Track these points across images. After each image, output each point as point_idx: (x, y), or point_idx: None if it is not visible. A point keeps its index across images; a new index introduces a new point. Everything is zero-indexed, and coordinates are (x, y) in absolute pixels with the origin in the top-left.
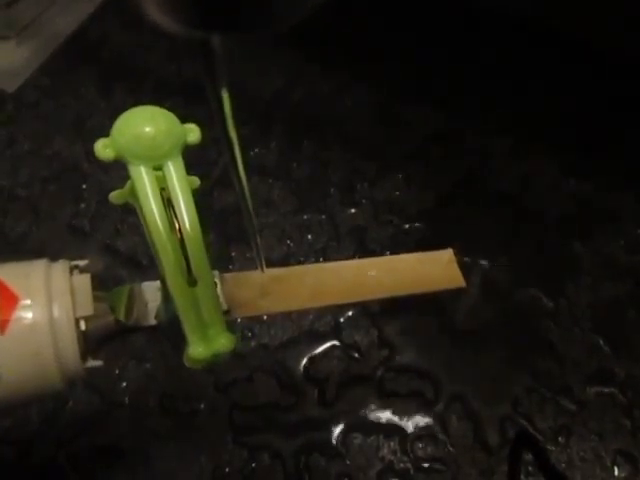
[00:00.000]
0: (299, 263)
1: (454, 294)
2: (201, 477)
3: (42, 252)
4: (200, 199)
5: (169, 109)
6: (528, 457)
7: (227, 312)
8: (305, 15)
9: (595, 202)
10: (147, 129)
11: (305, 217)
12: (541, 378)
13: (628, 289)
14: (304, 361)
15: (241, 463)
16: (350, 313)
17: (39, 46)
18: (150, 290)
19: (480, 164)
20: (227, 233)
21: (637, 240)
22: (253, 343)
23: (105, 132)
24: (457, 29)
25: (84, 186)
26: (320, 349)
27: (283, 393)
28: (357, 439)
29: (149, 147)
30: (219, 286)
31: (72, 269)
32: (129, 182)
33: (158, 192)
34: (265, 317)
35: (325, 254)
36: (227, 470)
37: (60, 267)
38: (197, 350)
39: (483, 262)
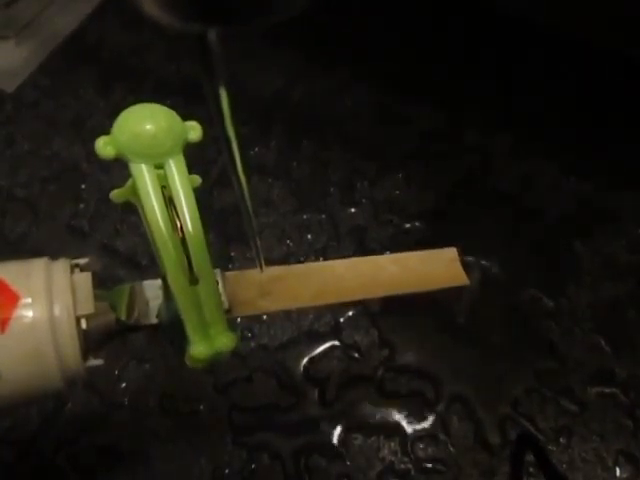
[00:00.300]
0: (299, 263)
1: (455, 294)
2: (201, 478)
3: (41, 252)
4: (200, 198)
5: (169, 109)
6: (529, 458)
7: (228, 311)
8: (302, 8)
9: (595, 202)
10: (148, 127)
11: (305, 217)
12: (542, 378)
13: (629, 289)
14: (304, 361)
15: (241, 464)
16: (350, 313)
17: (38, 46)
18: (151, 289)
19: (480, 164)
20: (227, 233)
21: (638, 240)
22: (253, 343)
23: (105, 132)
24: (457, 29)
25: (83, 186)
26: (320, 349)
27: (283, 393)
28: (357, 439)
29: (150, 145)
30: (221, 284)
31: (73, 267)
32: (130, 180)
33: (159, 190)
34: (265, 317)
35: (325, 254)
36: (227, 471)
37: (61, 265)
38: (198, 349)
39: (483, 262)
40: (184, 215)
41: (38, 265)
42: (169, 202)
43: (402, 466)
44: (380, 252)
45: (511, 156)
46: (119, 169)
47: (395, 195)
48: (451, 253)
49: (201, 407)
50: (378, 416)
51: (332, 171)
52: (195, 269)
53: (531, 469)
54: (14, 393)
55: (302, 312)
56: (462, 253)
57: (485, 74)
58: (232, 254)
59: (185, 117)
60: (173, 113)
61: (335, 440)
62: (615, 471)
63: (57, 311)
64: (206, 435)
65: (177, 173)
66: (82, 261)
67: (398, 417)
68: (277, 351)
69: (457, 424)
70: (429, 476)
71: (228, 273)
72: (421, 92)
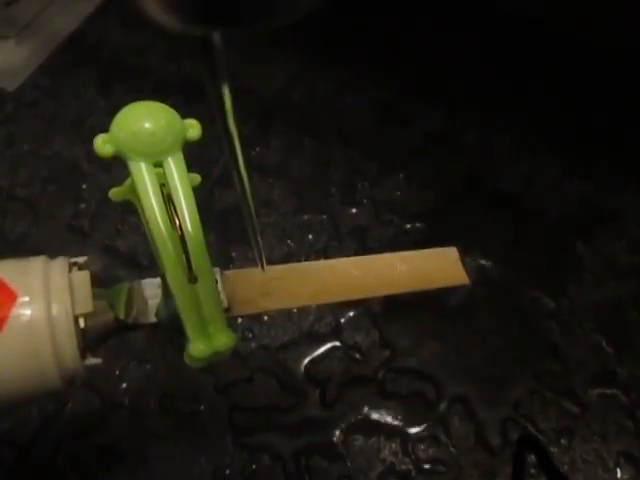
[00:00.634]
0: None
1: (455, 295)
2: (201, 478)
3: (42, 252)
4: (201, 199)
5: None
6: (530, 459)
7: (227, 310)
8: (306, 11)
9: (596, 202)
10: (147, 125)
11: (306, 217)
12: (543, 379)
13: (630, 289)
14: (305, 362)
15: (241, 464)
16: (351, 314)
17: (39, 45)
18: (150, 287)
19: (480, 164)
20: (228, 233)
21: (638, 240)
22: (253, 344)
23: (105, 131)
24: (457, 29)
25: (84, 186)
26: (321, 350)
27: (284, 394)
28: (358, 440)
29: (149, 143)
30: (220, 283)
31: (71, 266)
32: (129, 179)
33: (158, 188)
34: (266, 318)
35: (326, 254)
36: (227, 471)
37: (59, 264)
38: (198, 348)
39: (484, 262)
40: (183, 213)
41: (36, 263)
42: (168, 200)
43: (403, 467)
44: (381, 252)
45: (511, 156)
46: (120, 169)
47: (396, 195)
48: (452, 252)
49: (201, 407)
50: (379, 417)
51: (333, 171)
52: (194, 267)
53: (532, 470)
54: (12, 392)
55: (303, 312)
56: (462, 253)
57: (485, 74)
58: (233, 254)
59: (186, 116)
60: (172, 111)
61: (336, 441)
62: (616, 472)
63: (55, 310)
64: (206, 435)
65: (176, 171)
66: (80, 260)
67: (399, 418)
68: (278, 352)
69: (458, 425)
70: (430, 477)
71: (227, 272)
72: (421, 92)
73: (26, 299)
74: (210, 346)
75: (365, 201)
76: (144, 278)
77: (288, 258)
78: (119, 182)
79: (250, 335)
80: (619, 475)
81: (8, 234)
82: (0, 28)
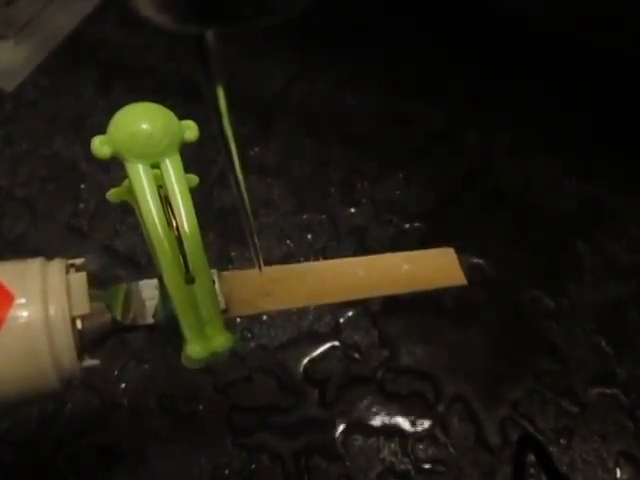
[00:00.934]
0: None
1: (454, 294)
2: (201, 478)
3: (41, 252)
4: (199, 199)
5: (168, 108)
6: (530, 459)
7: (225, 310)
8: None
9: (596, 202)
10: (144, 126)
11: (305, 217)
12: (542, 379)
13: (631, 289)
14: (304, 362)
15: (241, 464)
16: (350, 313)
17: (38, 45)
18: (147, 288)
19: (480, 164)
20: (226, 233)
21: (639, 240)
22: (252, 344)
23: (104, 132)
24: (457, 29)
25: (83, 186)
26: (320, 350)
27: (283, 394)
28: (357, 440)
29: (146, 144)
30: (217, 284)
31: (68, 267)
32: (126, 180)
33: (155, 189)
34: (265, 318)
35: (325, 254)
36: (226, 471)
37: (56, 265)
38: (195, 349)
39: (483, 262)
40: (180, 214)
41: (33, 265)
42: (165, 202)
43: (402, 467)
44: (380, 252)
45: (511, 156)
46: (119, 169)
47: (395, 195)
48: (449, 253)
49: (201, 407)
50: (378, 417)
51: (332, 171)
52: (191, 268)
53: (532, 470)
54: (10, 393)
55: (302, 312)
56: (461, 254)
57: (485, 74)
58: (232, 254)
59: (185, 117)
60: (169, 112)
61: (335, 441)
62: (616, 472)
63: (52, 311)
64: (206, 435)
65: (173, 172)
66: (78, 261)
67: (398, 418)
68: (277, 351)
69: (457, 425)
70: (429, 477)
71: (225, 273)
72: (421, 92)
73: (23, 301)
74: (207, 347)
75: (364, 201)
76: (143, 278)
77: (287, 258)
78: (118, 182)
79: (249, 335)
80: (619, 475)
81: (7, 234)
82: None
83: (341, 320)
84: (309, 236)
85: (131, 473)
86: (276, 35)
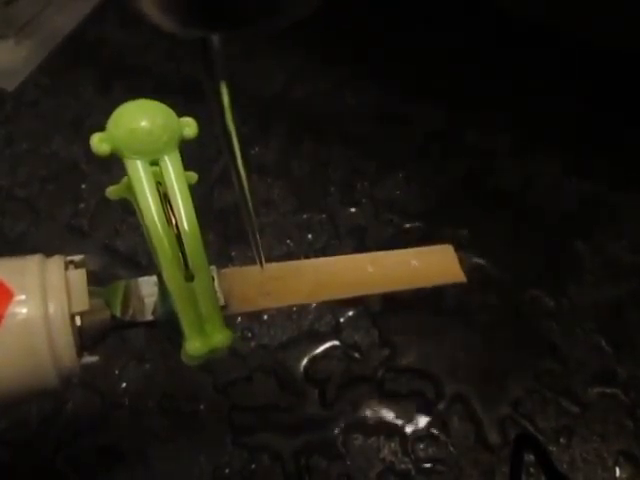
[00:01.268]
0: None
1: (454, 294)
2: (201, 478)
3: (41, 252)
4: (200, 198)
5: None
6: (529, 458)
7: (224, 307)
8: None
9: (596, 201)
10: (143, 123)
11: (305, 216)
12: (543, 379)
13: (631, 289)
14: (304, 361)
15: (241, 463)
16: (350, 313)
17: (38, 45)
18: (147, 285)
19: (480, 164)
20: (227, 232)
21: (638, 240)
22: (253, 343)
23: (104, 130)
24: (457, 29)
25: (83, 186)
26: (320, 349)
27: (283, 393)
28: (357, 440)
29: (145, 141)
30: (216, 281)
31: (67, 264)
32: (125, 177)
33: (154, 186)
34: (265, 317)
35: (325, 253)
36: (227, 471)
37: (55, 263)
38: (194, 346)
39: (483, 262)
40: (179, 211)
41: (32, 262)
42: (164, 198)
43: (402, 466)
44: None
45: (511, 156)
46: (119, 168)
47: (395, 195)
48: (448, 250)
49: (201, 407)
50: (378, 416)
51: (332, 171)
52: (190, 265)
53: (531, 469)
54: (8, 391)
55: (302, 311)
56: (461, 253)
57: (485, 74)
58: (232, 253)
59: (185, 116)
60: (168, 109)
61: (335, 440)
62: (615, 471)
63: (51, 308)
64: (206, 435)
65: (172, 169)
66: (77, 258)
67: (398, 417)
68: (277, 351)
69: (457, 424)
70: (429, 476)
71: (224, 270)
72: (421, 92)
73: (22, 297)
74: (206, 344)
75: (364, 200)
76: (143, 276)
77: (287, 257)
78: (118, 181)
79: (249, 334)
80: (618, 474)
81: (7, 233)
82: None
83: (341, 320)
84: (309, 236)
85: (131, 473)
86: (276, 35)
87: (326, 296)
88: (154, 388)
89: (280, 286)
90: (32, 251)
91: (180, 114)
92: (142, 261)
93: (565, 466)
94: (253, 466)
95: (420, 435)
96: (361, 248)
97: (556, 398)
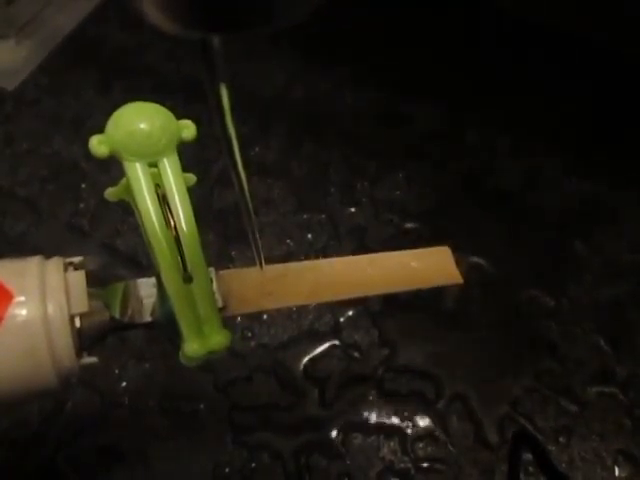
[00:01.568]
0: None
1: (454, 294)
2: (201, 477)
3: (41, 251)
4: (200, 198)
5: (168, 108)
6: (529, 457)
7: (223, 309)
8: (306, 15)
9: (596, 201)
10: (142, 125)
11: (305, 216)
12: (542, 378)
13: (630, 288)
14: (304, 361)
15: (241, 463)
16: (350, 313)
17: (38, 44)
18: (145, 287)
19: (480, 164)
20: (227, 233)
21: (638, 239)
22: (253, 343)
23: (104, 131)
24: (457, 28)
25: (83, 185)
26: (320, 349)
27: (283, 393)
28: (357, 439)
29: (144, 143)
30: (215, 283)
31: (66, 266)
32: (124, 179)
33: (153, 188)
34: (265, 317)
35: (325, 253)
36: (227, 470)
37: (54, 264)
38: (193, 347)
39: (483, 261)
40: (178, 213)
41: (32, 263)
42: (163, 200)
43: (402, 465)
44: (379, 251)
45: (511, 156)
46: (119, 169)
47: (395, 195)
48: (445, 252)
49: (201, 406)
50: (378, 416)
51: (332, 171)
52: (189, 267)
53: (530, 468)
54: (8, 392)
55: (302, 311)
56: (461, 253)
57: (485, 74)
58: (232, 254)
59: (185, 117)
60: (167, 111)
61: (335, 439)
62: (614, 470)
63: (51, 309)
64: (206, 434)
65: (171, 171)
66: (76, 259)
67: (398, 417)
68: (277, 350)
69: (457, 424)
70: (429, 475)
71: (224, 271)
72: (421, 92)
73: (22, 299)
74: (205, 345)
75: (364, 200)
76: (142, 277)
77: (287, 257)
78: (118, 182)
79: (249, 334)
80: (617, 473)
81: (8, 233)
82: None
83: (341, 319)
84: (309, 236)
85: (131, 473)
86: (276, 35)
87: (325, 297)
88: (154, 388)
89: (280, 287)
90: (32, 250)
91: (180, 114)
92: (142, 261)
93: (564, 465)
94: (253, 465)
95: (419, 434)
96: (361, 248)
97: (555, 397)
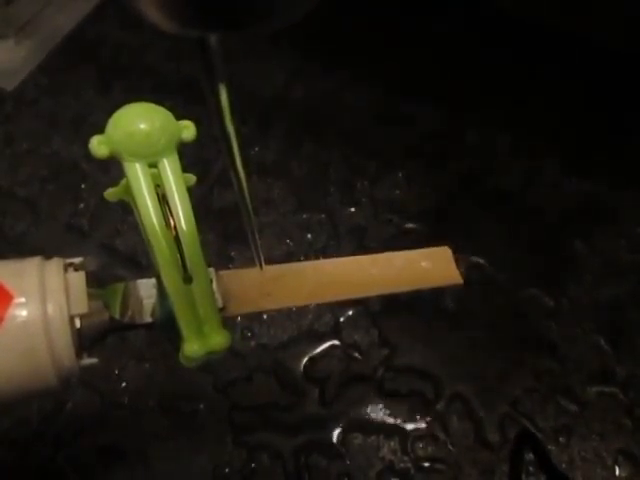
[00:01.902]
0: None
1: (454, 294)
2: (201, 477)
3: (41, 251)
4: (199, 198)
5: (168, 108)
6: (529, 457)
7: (223, 309)
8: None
9: (596, 201)
10: (142, 126)
11: (305, 216)
12: (542, 378)
13: (630, 288)
14: (304, 361)
15: (241, 463)
16: (350, 313)
17: (38, 45)
18: (145, 287)
19: (480, 164)
20: (227, 233)
21: (638, 239)
22: (253, 343)
23: (104, 131)
24: (457, 29)
25: (83, 185)
26: (320, 349)
27: (283, 393)
28: (357, 439)
29: (144, 144)
30: (214, 283)
31: (66, 267)
32: (124, 179)
33: (153, 189)
34: (265, 317)
35: (325, 253)
36: (227, 470)
37: (54, 265)
38: (192, 348)
39: (483, 262)
40: (177, 214)
41: (31, 264)
42: (163, 201)
43: (402, 465)
44: (380, 251)
45: (511, 156)
46: (119, 169)
47: (395, 195)
48: (445, 252)
49: (201, 407)
50: (378, 415)
51: (332, 171)
52: (189, 267)
53: (531, 468)
54: (8, 392)
55: (302, 311)
56: (461, 253)
57: (485, 74)
58: (232, 254)
59: (184, 117)
60: (167, 112)
61: (335, 439)
62: (614, 470)
63: (51, 310)
64: (206, 434)
65: (171, 172)
66: (76, 260)
67: (398, 416)
68: (277, 350)
69: (457, 423)
70: (429, 475)
71: (223, 272)
72: (421, 92)
73: (22, 300)
74: (205, 346)
75: (364, 200)
76: (143, 278)
77: (287, 257)
78: (118, 182)
79: (249, 334)
80: (617, 473)
81: (7, 233)
82: None
83: (341, 319)
84: (309, 235)
85: (131, 473)
86: (276, 35)
87: (325, 297)
88: (154, 388)
89: (279, 287)
90: (32, 251)
91: (180, 114)
92: (142, 261)
93: (564, 465)
94: (253, 465)
95: (419, 434)
96: (361, 248)
97: (555, 397)
